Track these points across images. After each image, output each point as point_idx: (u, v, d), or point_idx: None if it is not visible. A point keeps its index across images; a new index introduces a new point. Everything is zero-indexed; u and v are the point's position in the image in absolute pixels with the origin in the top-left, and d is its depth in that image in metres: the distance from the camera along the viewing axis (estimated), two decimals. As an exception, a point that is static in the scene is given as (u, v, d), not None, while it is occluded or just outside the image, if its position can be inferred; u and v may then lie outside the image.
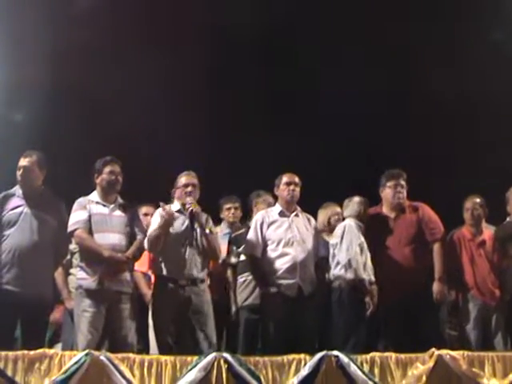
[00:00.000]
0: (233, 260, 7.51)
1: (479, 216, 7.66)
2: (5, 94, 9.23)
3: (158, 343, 6.78)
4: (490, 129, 10.32)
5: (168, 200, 7.20)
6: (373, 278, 7.14)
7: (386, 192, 7.53)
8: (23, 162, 6.92)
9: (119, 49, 10.28)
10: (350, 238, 7.19)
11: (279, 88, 10.83)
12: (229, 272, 7.57)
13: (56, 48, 9.60)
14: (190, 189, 7.01)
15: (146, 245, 6.83)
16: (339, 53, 10.63)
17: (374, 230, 7.40)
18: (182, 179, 7.09)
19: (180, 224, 6.93)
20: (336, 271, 7.18)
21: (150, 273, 7.50)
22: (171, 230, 6.87)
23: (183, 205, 6.99)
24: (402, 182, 7.49)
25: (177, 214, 6.96)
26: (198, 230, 6.91)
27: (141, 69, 10.28)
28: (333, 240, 7.30)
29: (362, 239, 7.23)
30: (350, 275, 7.09)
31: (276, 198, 7.52)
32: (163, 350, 6.61)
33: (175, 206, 7.07)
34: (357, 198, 7.46)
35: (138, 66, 10.31)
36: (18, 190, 6.93)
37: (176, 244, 6.85)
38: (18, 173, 6.92)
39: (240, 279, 7.46)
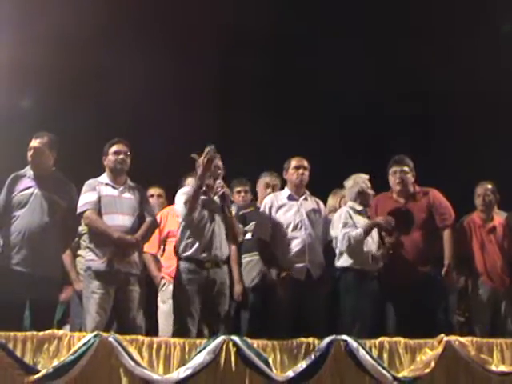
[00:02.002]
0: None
1: (490, 202, 7.62)
2: (11, 78, 9.18)
3: (177, 326, 6.67)
4: (496, 117, 10.33)
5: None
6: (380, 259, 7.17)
7: (390, 179, 7.50)
8: (34, 143, 6.90)
9: (127, 32, 10.26)
10: (343, 230, 7.14)
11: (282, 78, 10.88)
12: (234, 250, 7.36)
13: (63, 31, 9.56)
14: (219, 171, 6.93)
15: (179, 210, 6.77)
16: (339, 40, 10.63)
17: (384, 215, 7.36)
18: None
19: (205, 205, 6.83)
20: (341, 261, 7.15)
21: (159, 255, 7.50)
22: (198, 211, 6.79)
23: (208, 186, 6.90)
24: (405, 169, 7.42)
25: (202, 196, 6.85)
26: (226, 212, 6.86)
27: (150, 52, 10.26)
28: (332, 231, 7.24)
29: (361, 223, 7.19)
30: (352, 264, 7.08)
31: (284, 182, 7.50)
32: (181, 332, 6.55)
33: None
34: (350, 181, 7.41)
35: (148, 49, 10.28)
36: (28, 171, 6.92)
37: (203, 226, 6.77)
38: (29, 154, 6.90)
39: (245, 259, 7.42)
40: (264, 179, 7.88)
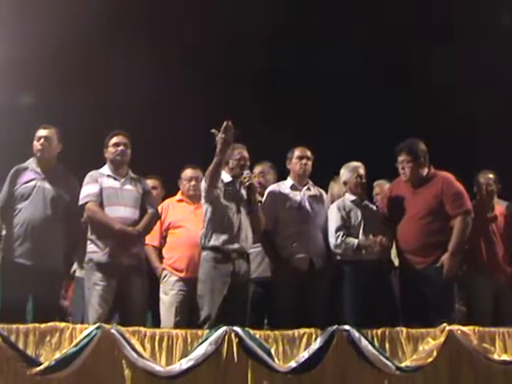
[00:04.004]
0: None
1: (492, 191, 7.58)
2: (11, 72, 9.19)
3: (204, 316, 6.63)
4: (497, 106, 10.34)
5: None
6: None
7: (398, 167, 7.42)
8: (43, 132, 6.91)
9: (128, 25, 10.28)
10: (332, 224, 7.13)
11: (283, 71, 10.90)
12: None
13: (64, 24, 9.56)
14: (247, 162, 6.92)
15: (202, 189, 6.75)
16: (340, 31, 10.64)
17: (396, 201, 7.31)
18: (236, 152, 6.94)
19: (232, 197, 6.84)
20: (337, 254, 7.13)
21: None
22: (225, 201, 6.78)
23: (235, 177, 6.91)
24: (409, 158, 7.21)
25: (229, 187, 6.86)
26: (252, 203, 6.84)
27: (151, 44, 10.27)
28: (329, 225, 7.19)
29: (352, 214, 7.14)
30: (345, 257, 7.04)
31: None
32: (204, 321, 6.54)
33: (226, 177, 6.94)
34: (341, 171, 7.38)
35: (148, 42, 10.29)
36: (31, 163, 6.93)
37: (230, 218, 6.76)
38: (37, 143, 6.91)
39: None
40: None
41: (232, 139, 6.58)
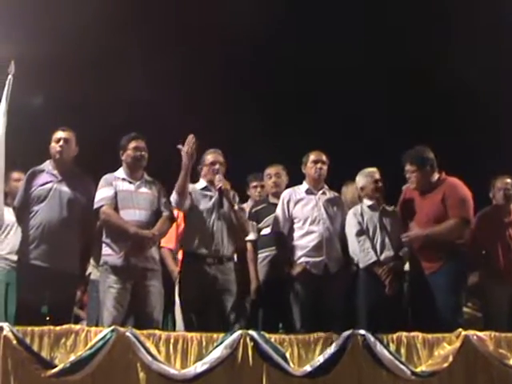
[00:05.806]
0: (252, 236, 7.38)
1: (510, 196, 7.55)
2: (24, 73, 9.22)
3: (184, 321, 6.82)
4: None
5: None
6: (390, 254, 7.07)
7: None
8: (62, 134, 6.92)
9: (139, 25, 10.31)
10: (350, 230, 7.16)
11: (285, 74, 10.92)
12: (249, 248, 7.38)
13: (75, 26, 9.58)
14: (217, 166, 6.99)
15: (173, 201, 6.81)
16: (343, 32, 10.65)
17: (405, 207, 7.33)
18: (209, 157, 7.08)
19: (206, 201, 6.93)
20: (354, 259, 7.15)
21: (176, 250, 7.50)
22: (199, 207, 6.88)
23: (210, 182, 6.97)
24: (413, 168, 7.18)
25: (203, 192, 6.97)
26: (227, 206, 6.90)
27: (160, 47, 10.30)
28: (347, 230, 7.21)
29: (367, 217, 7.15)
30: (361, 264, 7.05)
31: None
32: (187, 327, 6.65)
33: (201, 183, 7.06)
34: (358, 176, 7.38)
35: (158, 45, 10.32)
36: (47, 166, 6.93)
37: (203, 222, 6.85)
38: (57, 144, 6.90)
39: (261, 254, 7.37)
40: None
41: (194, 152, 6.71)
